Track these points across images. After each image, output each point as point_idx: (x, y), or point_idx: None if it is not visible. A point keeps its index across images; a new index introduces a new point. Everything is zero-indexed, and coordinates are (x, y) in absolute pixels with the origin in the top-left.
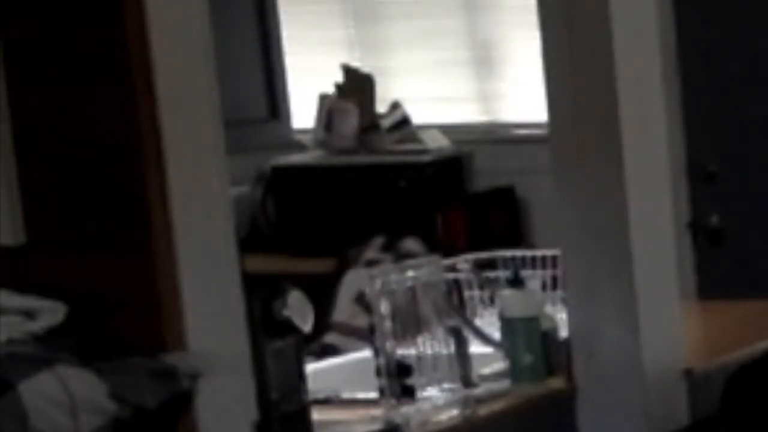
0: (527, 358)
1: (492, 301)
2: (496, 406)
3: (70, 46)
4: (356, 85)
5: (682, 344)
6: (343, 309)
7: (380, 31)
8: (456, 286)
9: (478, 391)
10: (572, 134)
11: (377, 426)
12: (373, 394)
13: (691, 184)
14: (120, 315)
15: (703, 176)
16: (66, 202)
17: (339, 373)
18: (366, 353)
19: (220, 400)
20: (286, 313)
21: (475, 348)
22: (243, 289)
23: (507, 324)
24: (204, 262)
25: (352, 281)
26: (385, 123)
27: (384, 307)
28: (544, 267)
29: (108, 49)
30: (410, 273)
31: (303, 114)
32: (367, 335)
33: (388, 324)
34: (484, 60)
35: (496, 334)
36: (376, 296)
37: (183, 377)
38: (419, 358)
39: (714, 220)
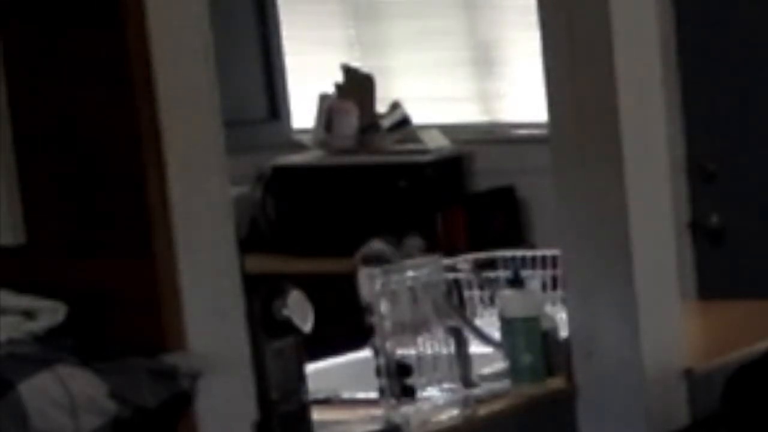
0: (527, 358)
1: (492, 301)
2: (496, 406)
3: (70, 46)
4: (356, 85)
5: (682, 344)
6: None
7: (380, 31)
8: (456, 286)
9: (478, 391)
10: (572, 134)
11: (377, 426)
12: (373, 394)
13: (691, 184)
14: (120, 315)
15: (703, 176)
16: (66, 203)
17: (339, 373)
18: (366, 353)
19: (220, 400)
20: (286, 313)
21: (475, 348)
22: (243, 289)
23: (507, 324)
24: (204, 262)
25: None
26: (385, 123)
27: (384, 307)
28: (544, 267)
29: (108, 49)
30: (410, 273)
31: (303, 114)
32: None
33: (388, 324)
34: (484, 60)
35: (496, 334)
36: (376, 296)
37: (183, 377)
38: (419, 358)
39: (714, 220)
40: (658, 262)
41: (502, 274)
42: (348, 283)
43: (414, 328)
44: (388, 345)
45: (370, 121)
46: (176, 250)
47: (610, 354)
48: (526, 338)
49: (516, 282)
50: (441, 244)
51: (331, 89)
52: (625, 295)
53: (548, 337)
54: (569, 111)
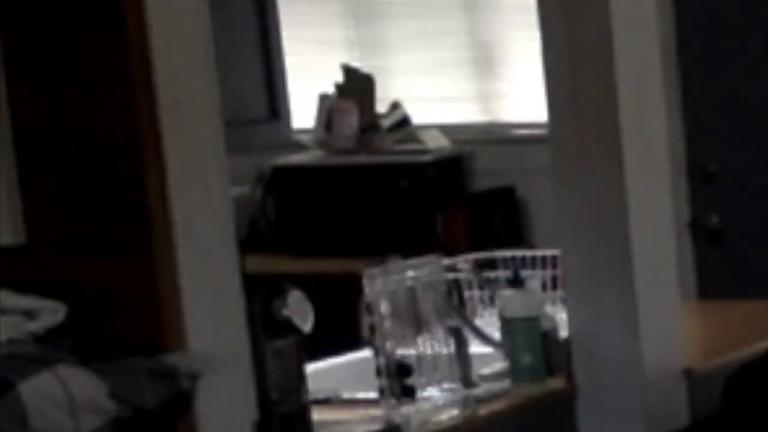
0: (527, 358)
1: (492, 301)
2: (496, 406)
3: (70, 45)
4: (356, 85)
5: (682, 344)
6: None
7: (380, 31)
8: (456, 286)
9: (478, 391)
10: (572, 134)
11: (377, 426)
12: (373, 394)
13: (691, 184)
14: (120, 315)
15: (703, 176)
16: (66, 202)
17: (339, 373)
18: (366, 353)
19: (220, 400)
20: (286, 313)
21: (475, 348)
22: (243, 289)
23: (507, 324)
24: (204, 262)
25: None
26: (385, 123)
27: (384, 307)
28: (544, 267)
29: (108, 48)
30: (410, 273)
31: (303, 114)
32: None
33: (388, 324)
34: (484, 60)
35: (496, 334)
36: (376, 296)
37: (183, 377)
38: (419, 358)
39: (714, 220)
40: (658, 262)
41: (502, 274)
42: (348, 283)
43: (414, 328)
44: (388, 345)
45: (370, 121)
46: (176, 250)
47: (610, 354)
48: (526, 338)
49: (516, 282)
50: (441, 244)
51: (331, 89)
52: (625, 295)
53: (548, 337)
54: (569, 111)
